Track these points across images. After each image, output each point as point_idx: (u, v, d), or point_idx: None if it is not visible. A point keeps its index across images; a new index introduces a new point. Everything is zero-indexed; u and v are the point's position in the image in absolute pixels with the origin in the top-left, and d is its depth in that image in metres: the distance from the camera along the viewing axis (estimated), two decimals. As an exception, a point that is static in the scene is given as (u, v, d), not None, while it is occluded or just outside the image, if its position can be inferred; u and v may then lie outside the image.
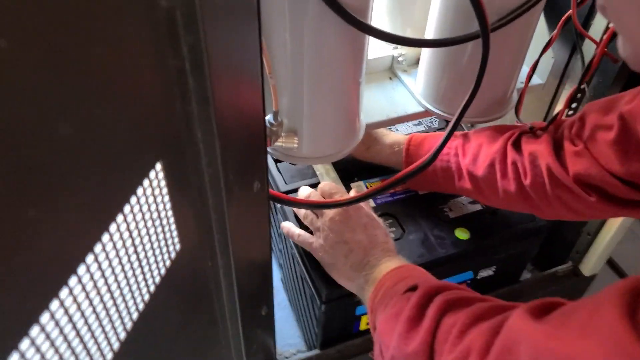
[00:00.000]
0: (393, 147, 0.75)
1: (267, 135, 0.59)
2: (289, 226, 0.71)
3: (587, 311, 0.33)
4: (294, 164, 0.81)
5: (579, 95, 0.74)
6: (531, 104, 0.84)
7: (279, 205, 0.77)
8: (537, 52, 0.71)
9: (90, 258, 0.26)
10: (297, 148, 0.63)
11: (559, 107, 0.79)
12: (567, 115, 0.78)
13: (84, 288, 0.26)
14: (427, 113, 0.73)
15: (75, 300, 0.26)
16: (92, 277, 0.27)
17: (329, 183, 0.71)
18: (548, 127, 0.64)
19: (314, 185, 0.73)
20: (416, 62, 0.77)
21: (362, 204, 0.69)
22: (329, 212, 0.66)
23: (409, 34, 0.77)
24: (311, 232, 0.69)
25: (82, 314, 0.27)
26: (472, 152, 0.66)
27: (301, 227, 0.71)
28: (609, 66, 0.71)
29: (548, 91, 0.79)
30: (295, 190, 0.75)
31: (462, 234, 0.72)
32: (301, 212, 0.70)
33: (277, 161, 0.81)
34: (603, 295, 0.32)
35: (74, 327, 0.26)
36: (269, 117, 0.58)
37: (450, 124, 0.60)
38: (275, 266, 0.91)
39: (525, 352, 0.35)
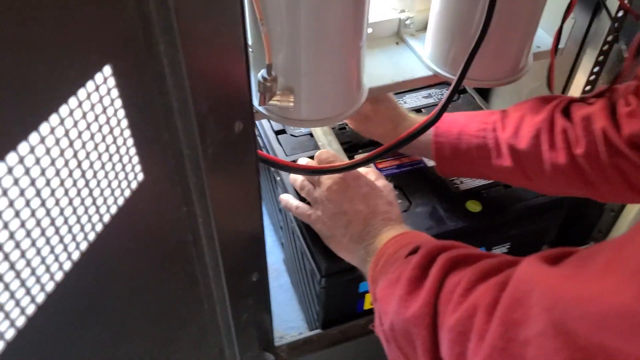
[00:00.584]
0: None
1: (260, 92, 0.55)
2: (287, 198, 0.67)
3: (611, 249, 0.28)
4: (295, 136, 0.77)
5: (601, 57, 0.68)
6: (547, 70, 0.79)
7: (279, 178, 0.73)
8: (555, 14, 0.66)
9: (12, 157, 0.22)
10: (294, 109, 0.59)
11: (580, 74, 0.74)
12: (589, 81, 0.73)
13: (5, 193, 0.22)
14: (435, 77, 0.68)
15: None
16: (17, 183, 0.23)
17: (327, 151, 0.67)
18: (604, 94, 0.56)
19: (316, 159, 0.69)
20: (424, 26, 0.72)
21: (364, 172, 0.65)
22: (327, 182, 0.62)
23: (417, 3, 0.73)
24: (310, 204, 0.65)
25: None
26: (513, 124, 0.59)
27: (301, 200, 0.67)
28: (633, 27, 0.65)
29: (567, 57, 0.73)
30: (296, 162, 0.71)
31: (473, 206, 0.67)
32: (298, 182, 0.66)
33: (277, 133, 0.77)
34: (631, 230, 0.27)
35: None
36: (262, 72, 0.54)
37: (455, 81, 0.56)
38: (278, 247, 0.87)
39: (538, 301, 0.29)
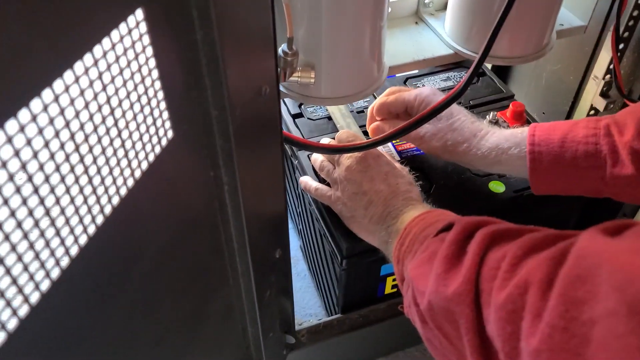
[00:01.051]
0: (515, 135, 0.59)
1: (280, 67, 0.54)
2: (306, 180, 0.66)
3: None
4: (313, 119, 0.76)
5: (626, 34, 0.67)
6: (568, 51, 0.77)
7: (296, 162, 0.72)
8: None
9: (47, 94, 0.21)
10: (315, 86, 0.58)
11: (604, 53, 0.73)
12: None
13: (41, 132, 0.22)
14: (455, 56, 0.67)
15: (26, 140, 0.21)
16: (51, 122, 0.22)
17: (347, 131, 0.66)
18: None
19: (334, 142, 0.68)
20: (444, 6, 0.71)
21: (384, 152, 0.63)
22: (346, 162, 0.61)
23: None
24: (330, 186, 0.64)
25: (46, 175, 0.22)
26: (634, 125, 0.52)
27: (320, 182, 0.66)
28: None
29: (590, 35, 0.72)
30: (314, 145, 0.70)
31: (496, 187, 0.66)
32: (317, 163, 0.65)
33: (294, 116, 0.76)
34: None
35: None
36: (283, 47, 0.53)
37: (479, 55, 0.55)
38: (294, 235, 0.86)
39: (607, 278, 0.27)
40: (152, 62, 0.27)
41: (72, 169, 0.24)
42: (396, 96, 0.67)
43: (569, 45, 0.78)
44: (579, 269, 0.29)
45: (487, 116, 0.73)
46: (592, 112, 0.78)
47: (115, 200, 0.27)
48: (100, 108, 0.25)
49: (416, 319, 0.45)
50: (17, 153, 0.21)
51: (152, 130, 0.29)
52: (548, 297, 0.30)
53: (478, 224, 0.43)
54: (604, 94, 0.75)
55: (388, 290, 0.70)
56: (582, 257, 0.30)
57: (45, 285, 0.24)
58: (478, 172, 0.68)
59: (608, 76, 0.73)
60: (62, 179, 0.24)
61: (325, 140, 0.68)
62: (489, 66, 0.88)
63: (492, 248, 0.39)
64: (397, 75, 0.83)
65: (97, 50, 0.23)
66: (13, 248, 0.22)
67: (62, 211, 0.24)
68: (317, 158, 0.65)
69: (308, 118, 0.76)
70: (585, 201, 0.73)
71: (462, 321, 0.37)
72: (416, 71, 0.83)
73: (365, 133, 0.74)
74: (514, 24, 0.60)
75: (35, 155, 0.22)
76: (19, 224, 0.22)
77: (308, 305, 0.81)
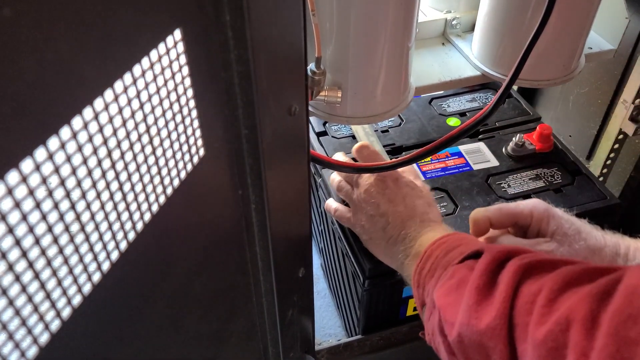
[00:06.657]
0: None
1: (308, 86, 0.55)
2: (328, 201, 0.66)
3: None
4: (337, 137, 0.76)
5: (657, 58, 0.66)
6: (597, 75, 0.76)
7: (319, 180, 0.72)
8: (607, 15, 0.64)
9: (88, 112, 0.22)
10: (341, 105, 0.58)
11: (635, 76, 0.72)
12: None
13: (80, 149, 0.22)
14: (482, 78, 0.67)
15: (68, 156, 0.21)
16: (90, 139, 0.22)
17: (367, 146, 0.65)
18: None
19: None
20: (471, 27, 0.71)
21: (400, 171, 0.63)
22: (364, 184, 0.60)
23: (463, 3, 0.73)
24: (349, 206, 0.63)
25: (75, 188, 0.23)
26: None
27: (339, 201, 0.65)
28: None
29: (620, 59, 0.71)
30: (338, 164, 0.70)
31: (522, 210, 0.65)
32: (335, 183, 0.64)
33: (319, 134, 0.77)
34: None
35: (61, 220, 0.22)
36: (311, 66, 0.54)
37: (508, 78, 0.55)
38: (315, 253, 0.86)
39: None
40: (188, 81, 0.27)
41: (107, 186, 0.24)
42: (500, 211, 0.57)
43: (598, 68, 0.78)
44: (631, 307, 0.29)
45: (514, 138, 0.72)
46: (621, 136, 0.77)
47: (147, 216, 0.28)
48: (137, 126, 0.25)
49: (442, 349, 0.44)
50: (57, 169, 0.21)
51: (185, 148, 0.29)
52: (594, 336, 0.29)
53: (509, 254, 0.42)
54: (633, 119, 0.74)
55: (410, 312, 0.69)
56: (633, 295, 0.29)
57: (77, 300, 0.25)
58: (504, 194, 0.68)
59: (638, 100, 0.71)
60: (98, 196, 0.24)
61: (340, 157, 0.67)
62: (515, 88, 0.88)
63: (525, 280, 0.38)
64: (422, 95, 0.83)
65: (137, 69, 0.24)
66: (48, 262, 0.22)
67: (97, 227, 0.24)
68: (335, 178, 0.65)
69: (332, 136, 0.76)
70: (613, 228, 0.71)
71: (496, 357, 0.36)
72: (442, 92, 0.83)
73: (389, 152, 0.74)
74: (543, 47, 0.59)
75: (74, 171, 0.22)
76: (55, 239, 0.22)
77: (327, 325, 0.80)
